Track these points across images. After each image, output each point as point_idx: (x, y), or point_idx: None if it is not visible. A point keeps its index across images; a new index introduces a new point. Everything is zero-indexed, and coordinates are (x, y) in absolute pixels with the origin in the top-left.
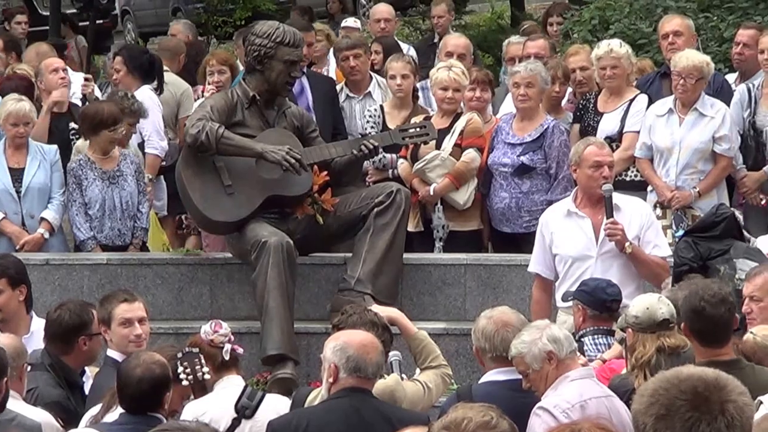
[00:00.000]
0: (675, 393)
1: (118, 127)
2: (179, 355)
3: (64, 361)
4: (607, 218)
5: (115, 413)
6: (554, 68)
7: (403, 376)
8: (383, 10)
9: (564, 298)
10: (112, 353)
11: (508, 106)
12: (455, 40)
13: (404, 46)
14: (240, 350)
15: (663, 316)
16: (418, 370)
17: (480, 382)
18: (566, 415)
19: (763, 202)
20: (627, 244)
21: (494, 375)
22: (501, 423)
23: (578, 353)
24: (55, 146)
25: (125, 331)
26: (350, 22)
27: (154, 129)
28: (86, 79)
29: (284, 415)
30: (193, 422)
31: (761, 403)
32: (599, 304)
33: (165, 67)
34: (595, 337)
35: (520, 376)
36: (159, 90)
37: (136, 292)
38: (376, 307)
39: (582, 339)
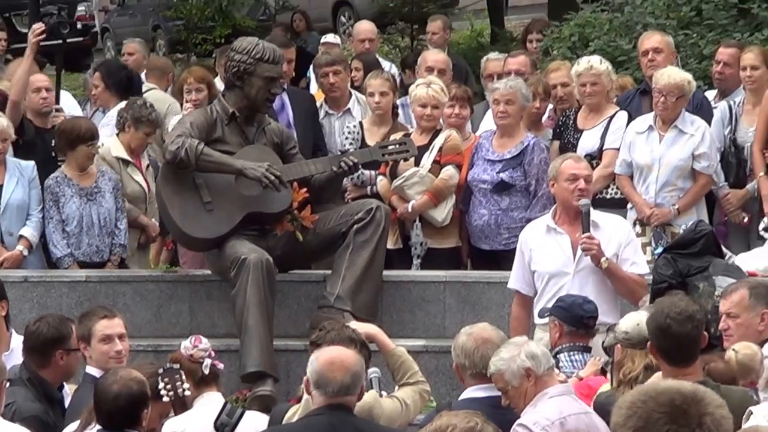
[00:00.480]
0: (653, 405)
1: (95, 141)
2: (160, 371)
3: (42, 375)
4: (583, 233)
5: (93, 430)
6: (535, 85)
7: (383, 393)
8: (367, 28)
9: (540, 315)
10: (91, 370)
11: (488, 122)
12: (435, 56)
13: (386, 64)
14: (220, 366)
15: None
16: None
17: (460, 398)
18: (546, 431)
19: (745, 220)
20: (603, 259)
21: (474, 392)
22: (486, 428)
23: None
24: (33, 163)
25: (105, 347)
26: (330, 38)
27: None
28: (57, 110)
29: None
30: None
31: (751, 413)
32: (576, 320)
33: (153, 85)
34: (572, 353)
35: (500, 393)
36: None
37: (115, 309)
38: (354, 324)
39: (558, 355)
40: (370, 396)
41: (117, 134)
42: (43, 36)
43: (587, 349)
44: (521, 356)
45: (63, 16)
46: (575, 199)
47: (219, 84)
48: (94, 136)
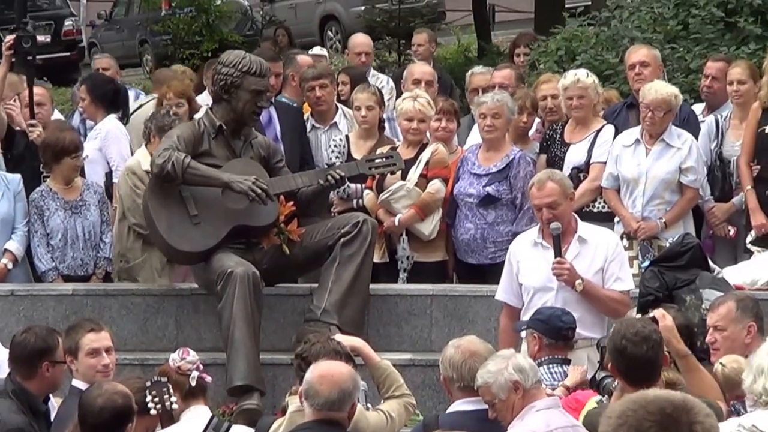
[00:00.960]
0: (643, 414)
1: (80, 153)
2: (148, 384)
3: (26, 387)
4: (555, 257)
5: None
6: (522, 98)
7: (369, 405)
8: (363, 42)
9: (518, 328)
10: (77, 383)
11: (474, 136)
12: (421, 68)
13: (382, 77)
14: (208, 378)
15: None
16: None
17: (448, 411)
18: None
19: (731, 233)
20: (577, 282)
21: (462, 405)
22: None
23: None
24: (19, 176)
25: (93, 360)
26: (317, 50)
27: (121, 158)
28: (31, 125)
29: None
30: None
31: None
32: (555, 332)
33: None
34: (551, 366)
35: (485, 407)
36: (124, 119)
37: (102, 322)
38: (339, 337)
39: (538, 368)
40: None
41: (145, 145)
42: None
43: (566, 362)
44: (509, 369)
45: (29, 31)
46: (546, 225)
47: (207, 97)
48: (78, 148)
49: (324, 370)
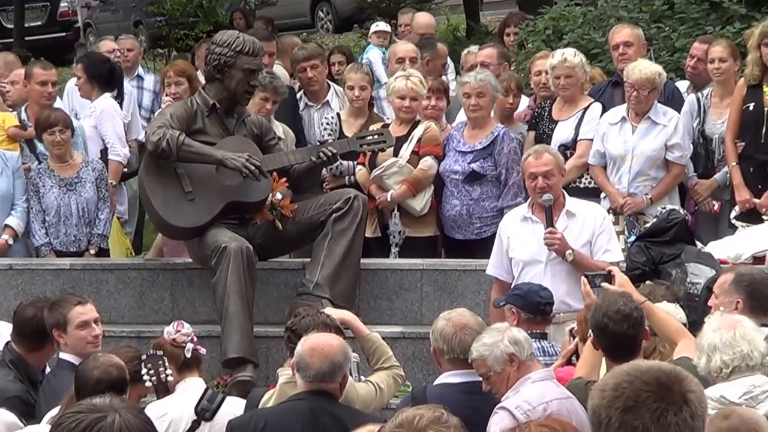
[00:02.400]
0: (639, 385)
1: (60, 129)
2: (143, 357)
3: (26, 359)
4: (546, 227)
5: None
6: (507, 80)
7: (361, 377)
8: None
9: (496, 304)
10: (65, 356)
11: (464, 114)
12: (404, 46)
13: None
14: (202, 350)
15: (682, 320)
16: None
17: (435, 383)
18: (527, 416)
19: (715, 207)
20: (567, 252)
21: (449, 377)
22: (451, 419)
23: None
24: (17, 153)
25: (83, 332)
26: (381, 26)
27: (116, 136)
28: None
29: (243, 415)
30: (106, 399)
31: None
32: (533, 307)
33: None
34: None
35: (476, 379)
36: (119, 98)
37: (84, 295)
38: (329, 310)
39: None
40: None
41: None
42: None
43: (544, 336)
44: (504, 342)
45: None
46: (537, 196)
47: (200, 77)
48: (56, 124)
49: (315, 343)
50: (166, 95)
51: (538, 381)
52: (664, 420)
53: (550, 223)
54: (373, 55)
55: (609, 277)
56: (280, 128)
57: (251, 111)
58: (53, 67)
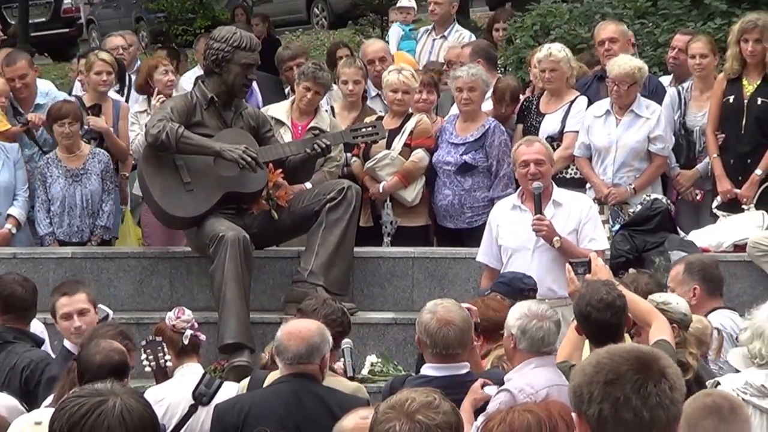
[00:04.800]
0: (619, 360)
1: (69, 121)
2: (143, 343)
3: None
4: (534, 214)
5: None
6: (502, 89)
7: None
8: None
9: (482, 294)
10: (66, 343)
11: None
12: (373, 46)
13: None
14: (202, 337)
15: (684, 310)
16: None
17: (417, 374)
18: (530, 399)
19: (698, 197)
20: (555, 239)
21: (430, 370)
22: (443, 404)
23: None
24: (17, 145)
25: (66, 324)
26: (405, 2)
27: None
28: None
29: (230, 399)
30: (107, 384)
31: (719, 383)
32: (517, 293)
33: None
34: None
35: (455, 373)
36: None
37: (80, 284)
38: None
39: None
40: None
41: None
42: None
43: None
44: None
45: None
46: (528, 183)
47: (199, 71)
48: (66, 116)
49: (292, 328)
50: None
51: (540, 367)
52: (644, 390)
53: (538, 210)
54: (393, 31)
55: (590, 264)
56: (327, 120)
57: (299, 97)
58: (17, 62)
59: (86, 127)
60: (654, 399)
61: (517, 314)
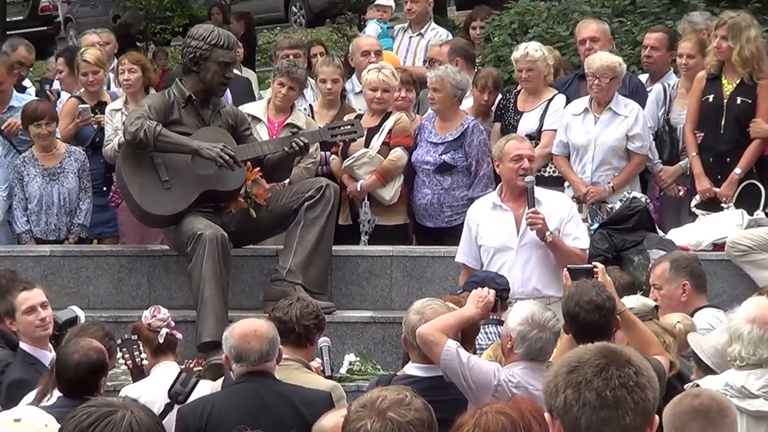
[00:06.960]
0: (582, 351)
1: (45, 122)
2: (119, 341)
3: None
4: (529, 208)
5: (53, 397)
6: (485, 77)
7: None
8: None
9: (454, 292)
10: (23, 345)
11: None
12: (367, 40)
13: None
14: (179, 335)
15: (649, 306)
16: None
17: (402, 373)
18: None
19: (681, 193)
20: (548, 233)
21: (416, 370)
22: (415, 401)
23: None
24: None
25: (30, 317)
26: (383, 0)
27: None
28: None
29: (192, 402)
30: (121, 398)
31: (698, 386)
32: None
33: None
34: (486, 326)
35: (440, 374)
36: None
37: (35, 281)
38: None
39: None
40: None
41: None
42: None
43: (500, 323)
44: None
45: None
46: (519, 177)
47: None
48: (42, 117)
49: (244, 330)
50: (119, 83)
51: (528, 369)
52: (606, 372)
53: (532, 204)
54: (371, 29)
55: (591, 273)
56: (302, 118)
57: (274, 93)
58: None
59: (94, 127)
60: (616, 381)
61: (520, 319)
